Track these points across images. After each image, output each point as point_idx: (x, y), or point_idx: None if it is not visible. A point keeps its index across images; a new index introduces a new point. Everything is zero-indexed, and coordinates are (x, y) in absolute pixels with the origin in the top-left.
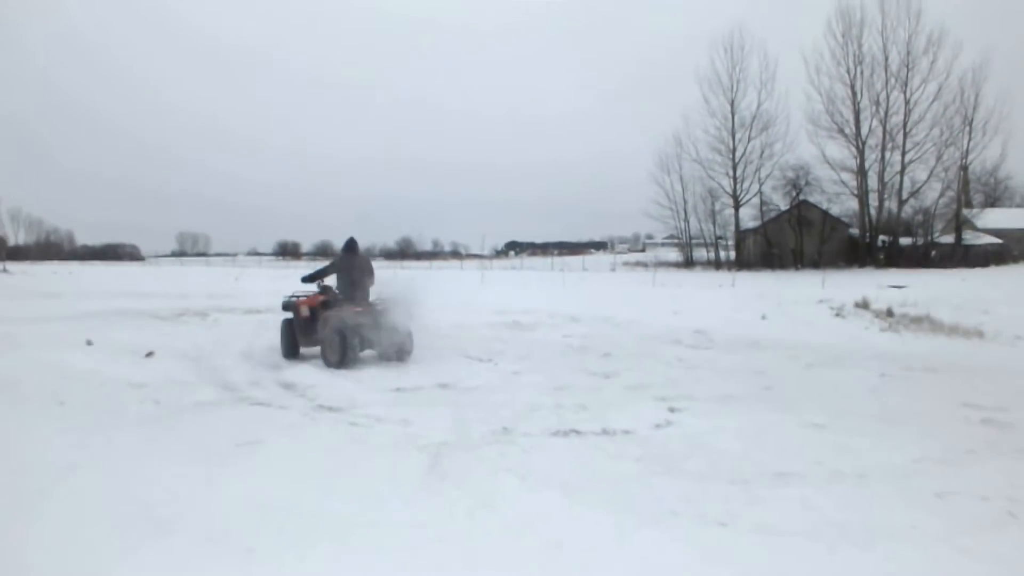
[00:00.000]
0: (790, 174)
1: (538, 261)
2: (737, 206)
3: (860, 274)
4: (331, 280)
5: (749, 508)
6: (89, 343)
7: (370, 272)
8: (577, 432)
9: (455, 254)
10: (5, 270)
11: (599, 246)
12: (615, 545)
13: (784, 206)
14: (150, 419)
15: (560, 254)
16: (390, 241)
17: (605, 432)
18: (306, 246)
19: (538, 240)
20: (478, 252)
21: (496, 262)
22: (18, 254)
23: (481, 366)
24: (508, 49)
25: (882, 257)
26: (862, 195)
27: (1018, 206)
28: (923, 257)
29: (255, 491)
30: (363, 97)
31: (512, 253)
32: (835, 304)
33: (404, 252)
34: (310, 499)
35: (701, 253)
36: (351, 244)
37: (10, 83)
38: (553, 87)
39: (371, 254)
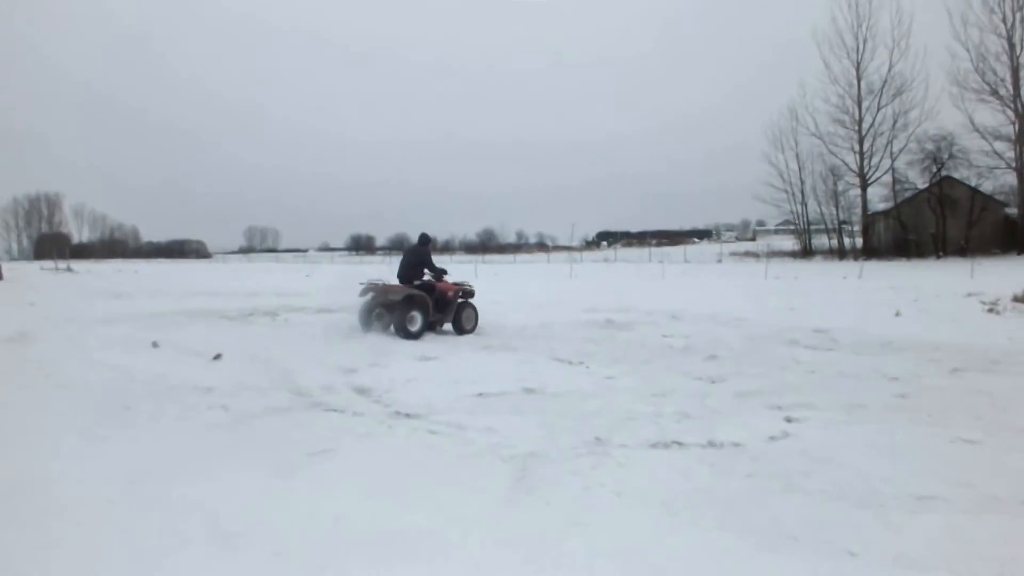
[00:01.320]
0: (929, 146)
1: (633, 252)
2: (864, 185)
3: (1018, 261)
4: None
5: (884, 536)
6: (155, 345)
7: (421, 261)
8: (679, 444)
9: (541, 246)
10: (69, 268)
11: (702, 235)
12: (726, 574)
13: (922, 184)
14: (218, 426)
15: (658, 244)
16: (471, 233)
17: (711, 444)
18: (380, 240)
19: (633, 229)
20: (566, 243)
21: (586, 254)
22: (83, 252)
23: (571, 369)
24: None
25: None
26: (1021, 167)
27: None
28: None
29: (327, 504)
30: (434, 69)
31: (604, 244)
32: (987, 298)
33: (486, 245)
34: (386, 514)
35: (821, 241)
36: (419, 237)
37: (67, 86)
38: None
39: (450, 247)
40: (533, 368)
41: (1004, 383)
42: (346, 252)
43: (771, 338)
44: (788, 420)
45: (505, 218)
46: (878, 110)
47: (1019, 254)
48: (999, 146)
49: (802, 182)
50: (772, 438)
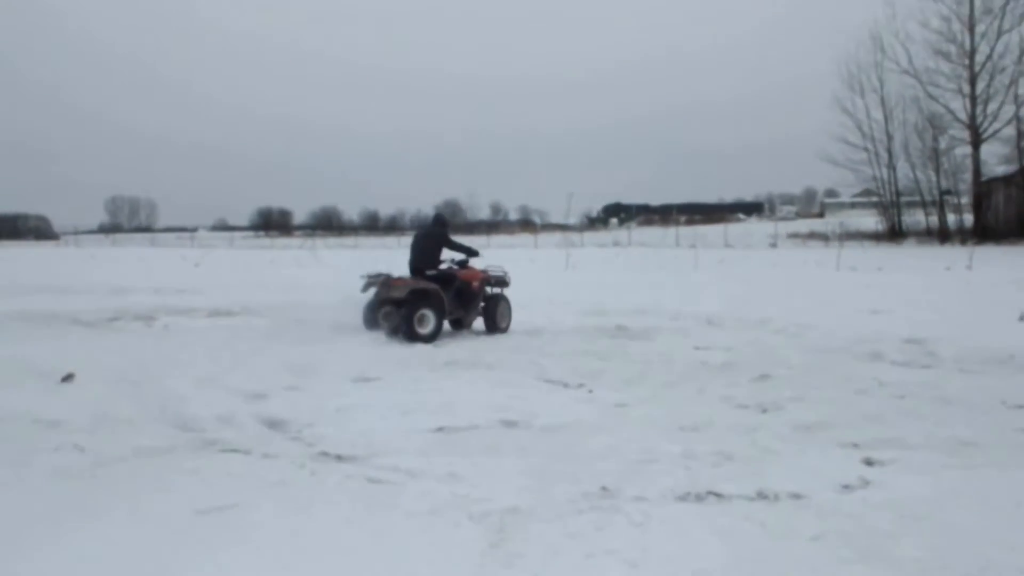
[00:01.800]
0: None
1: (654, 233)
2: (977, 142)
3: None
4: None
5: None
6: None
7: (437, 246)
8: (718, 496)
9: (527, 224)
10: None
11: (751, 209)
12: None
13: None
14: (68, 474)
15: (689, 222)
16: (427, 205)
17: (762, 496)
18: (301, 215)
19: (654, 201)
20: (561, 221)
21: (589, 236)
22: None
23: (568, 394)
24: None
25: None
26: None
27: None
28: None
29: None
30: None
31: (614, 221)
32: None
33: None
34: None
35: (916, 218)
36: (433, 218)
37: None
38: None
39: (398, 225)
40: (515, 392)
41: None
42: (251, 232)
43: (845, 351)
44: (868, 463)
45: (476, 185)
46: (998, 37)
47: None
48: None
49: (889, 137)
50: (846, 487)
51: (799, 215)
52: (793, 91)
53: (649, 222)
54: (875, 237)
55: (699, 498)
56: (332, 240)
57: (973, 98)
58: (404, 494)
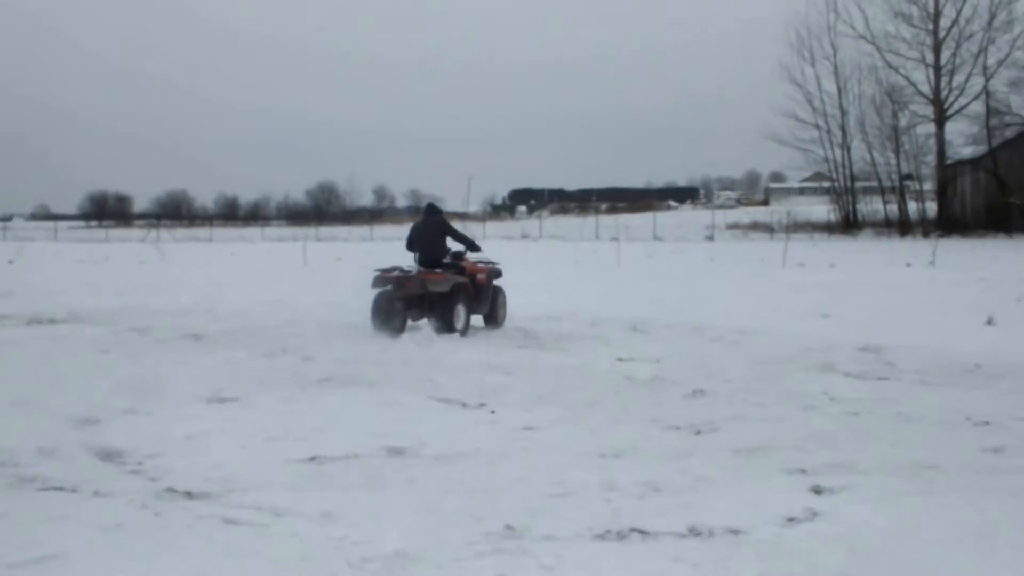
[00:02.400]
0: None
1: (571, 223)
2: (942, 119)
3: None
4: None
5: None
6: None
7: (442, 234)
8: (643, 533)
9: (418, 211)
10: None
11: (685, 195)
12: None
13: None
14: None
15: (612, 210)
16: (297, 191)
17: (695, 533)
18: (143, 201)
19: (570, 186)
20: (460, 208)
21: (493, 226)
22: None
23: (465, 415)
24: None
25: None
26: None
27: None
28: None
29: None
30: None
31: (522, 210)
32: None
33: (322, 210)
34: None
35: (873, 206)
36: (426, 208)
37: None
38: None
39: (260, 213)
40: (403, 414)
41: None
42: (81, 221)
43: (791, 361)
44: (817, 491)
45: (357, 166)
46: (964, 0)
47: None
48: None
49: (843, 113)
50: (791, 520)
51: (740, 202)
52: (734, 58)
53: (564, 210)
54: (827, 228)
55: (621, 536)
56: (182, 232)
57: (937, 68)
58: (269, 538)
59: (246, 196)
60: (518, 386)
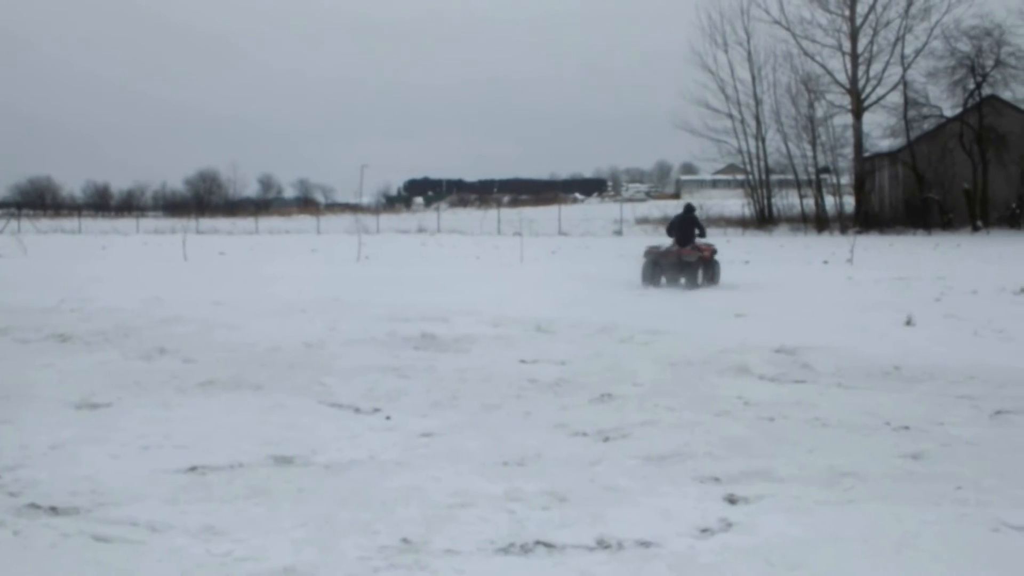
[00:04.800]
0: (964, 47)
1: (471, 216)
2: (859, 110)
3: None
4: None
5: None
6: None
7: (692, 226)
8: (548, 546)
9: (307, 203)
10: None
11: (592, 187)
12: None
13: (951, 109)
14: None
15: (515, 203)
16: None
17: (603, 545)
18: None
19: (470, 177)
20: (353, 200)
21: (387, 218)
22: None
23: (360, 421)
24: None
25: None
26: None
27: None
28: None
29: None
30: None
31: (419, 201)
32: None
33: (203, 200)
34: None
35: (789, 200)
36: (685, 207)
37: None
38: None
39: (135, 203)
40: (291, 419)
41: None
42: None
43: (704, 364)
44: (731, 501)
45: (241, 154)
46: None
47: None
48: None
49: (758, 102)
50: (705, 531)
51: (650, 195)
52: (644, 43)
53: (464, 202)
54: (741, 223)
55: (525, 550)
56: (46, 223)
57: (855, 57)
58: (145, 556)
59: (119, 184)
60: (415, 390)
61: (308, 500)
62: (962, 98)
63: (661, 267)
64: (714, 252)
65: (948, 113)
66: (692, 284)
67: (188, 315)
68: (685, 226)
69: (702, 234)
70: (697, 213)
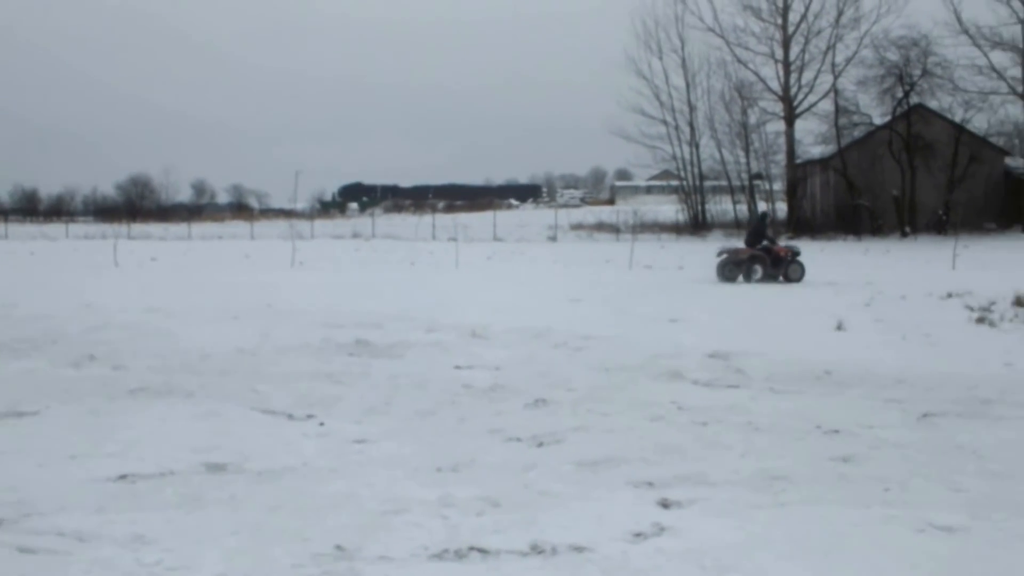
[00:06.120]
0: (892, 56)
1: (406, 222)
2: (791, 117)
3: None
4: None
5: None
6: None
7: (760, 231)
8: (483, 552)
9: (241, 209)
10: None
11: (527, 193)
12: None
13: (881, 117)
14: None
15: (450, 208)
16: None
17: (537, 550)
18: None
19: (405, 183)
20: (286, 205)
21: (322, 224)
22: None
23: (293, 428)
24: None
25: None
26: None
27: None
28: None
29: None
30: None
31: (354, 207)
32: (977, 301)
33: (135, 206)
34: None
35: (722, 206)
36: (761, 215)
37: None
38: None
39: (65, 208)
40: (223, 426)
41: (997, 434)
42: None
43: (638, 369)
44: (664, 505)
45: (173, 159)
46: None
47: None
48: (999, 58)
49: (692, 108)
50: (638, 536)
51: (585, 201)
52: (580, 50)
53: (399, 208)
54: (675, 229)
55: (460, 556)
56: None
57: (787, 65)
58: (71, 567)
59: (47, 189)
60: (349, 396)
61: (240, 508)
62: (891, 106)
63: (731, 264)
64: (791, 252)
65: (877, 121)
66: (746, 278)
67: (119, 322)
68: (752, 229)
69: (772, 240)
70: (634, 219)
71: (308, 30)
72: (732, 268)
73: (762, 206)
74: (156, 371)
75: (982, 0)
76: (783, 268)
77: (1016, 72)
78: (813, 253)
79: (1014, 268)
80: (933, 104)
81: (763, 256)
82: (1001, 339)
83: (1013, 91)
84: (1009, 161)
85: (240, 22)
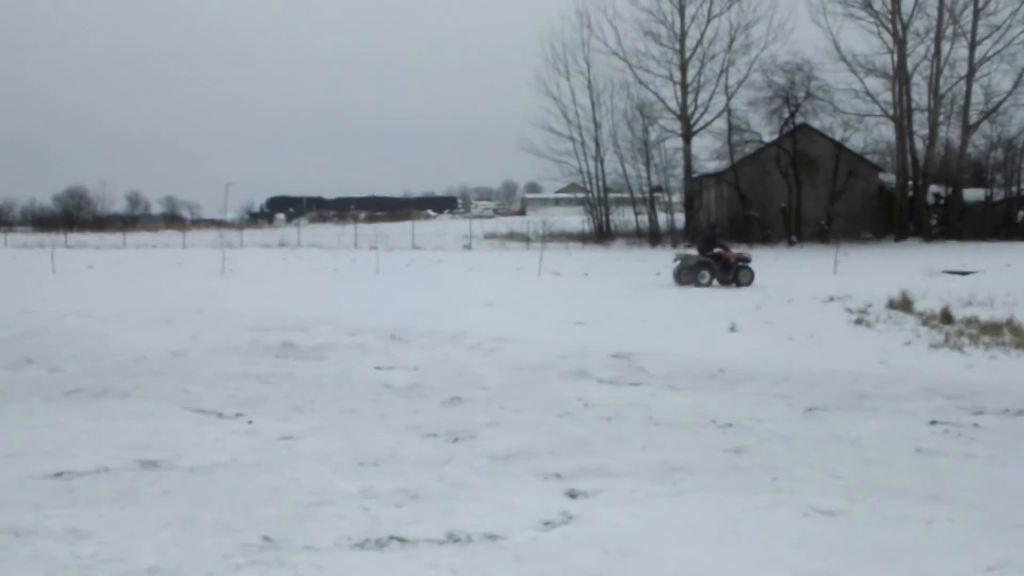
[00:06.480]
0: (780, 79)
1: (330, 232)
2: (688, 134)
3: (898, 251)
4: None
5: None
6: None
7: (711, 240)
8: (402, 540)
9: (174, 219)
10: None
11: (444, 204)
12: None
13: (769, 135)
14: None
15: (371, 219)
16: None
17: (453, 539)
18: None
19: (329, 195)
20: (217, 216)
21: (251, 234)
22: None
23: (222, 426)
24: None
25: (934, 223)
26: (901, 116)
27: None
28: (1003, 223)
29: None
30: None
31: (281, 217)
32: (855, 303)
33: (71, 216)
34: None
35: (625, 217)
36: (710, 226)
37: None
38: None
39: (2, 217)
40: (156, 425)
41: (872, 425)
42: None
43: (547, 368)
44: (572, 495)
45: (109, 171)
46: (708, 20)
47: (897, 240)
48: (873, 84)
49: (597, 126)
50: (547, 524)
51: (498, 212)
52: (493, 71)
53: (323, 218)
54: (581, 238)
55: (380, 544)
56: None
57: (684, 86)
58: (7, 561)
59: None
60: (276, 395)
61: (172, 502)
62: (778, 125)
63: (684, 268)
64: (741, 258)
65: (767, 139)
66: (694, 283)
67: (56, 326)
68: (702, 238)
69: (725, 248)
70: (543, 229)
71: (238, 54)
72: (686, 273)
73: (663, 217)
74: (92, 373)
75: (858, 31)
76: (733, 273)
77: (888, 97)
78: None
79: (887, 273)
80: (816, 124)
81: (711, 262)
82: (877, 338)
83: (885, 114)
84: (882, 177)
85: (178, 40)
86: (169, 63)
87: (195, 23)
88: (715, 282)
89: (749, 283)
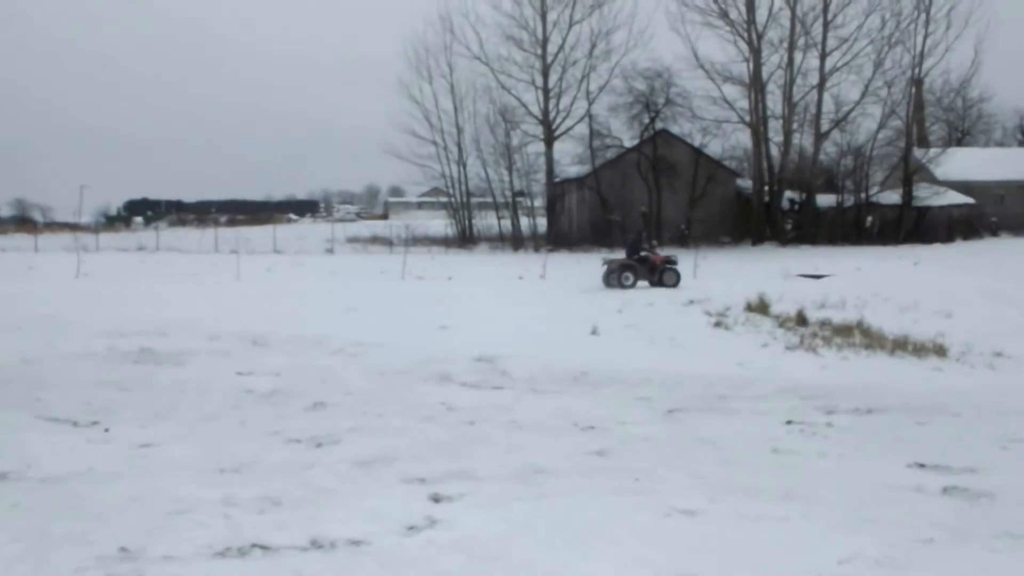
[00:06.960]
0: (640, 85)
1: (189, 235)
2: (551, 139)
3: (755, 255)
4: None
5: None
6: None
7: (637, 244)
8: (264, 548)
9: (24, 222)
10: None
11: (305, 208)
12: None
13: (630, 141)
14: None
15: (232, 223)
16: None
17: (316, 545)
18: None
19: (189, 198)
20: (71, 219)
21: (107, 237)
22: None
23: (77, 435)
24: None
25: (789, 227)
26: (757, 123)
27: (999, 144)
28: (853, 227)
29: None
30: None
31: (139, 220)
32: (714, 307)
33: None
34: None
35: (489, 221)
36: (636, 232)
37: None
38: None
39: None
40: (5, 435)
41: (731, 426)
42: None
43: (410, 372)
44: (435, 499)
45: None
46: (570, 27)
47: (754, 244)
48: (730, 91)
49: (459, 130)
50: (412, 529)
51: (360, 216)
52: (356, 74)
53: (182, 222)
54: (445, 243)
55: (242, 552)
56: None
57: (546, 91)
58: None
59: None
60: (134, 402)
61: (22, 515)
62: (639, 131)
63: (612, 272)
64: (666, 260)
65: (627, 144)
66: (620, 285)
67: None
68: (629, 242)
69: (651, 249)
70: (406, 233)
71: (88, 56)
72: (614, 275)
73: (526, 221)
74: None
75: (715, 40)
76: (658, 275)
77: (744, 104)
78: (570, 265)
79: (745, 277)
80: (675, 130)
81: (635, 265)
82: (735, 341)
83: (742, 120)
84: (740, 182)
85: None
86: (25, 65)
87: (51, 21)
88: (640, 283)
89: (675, 284)
